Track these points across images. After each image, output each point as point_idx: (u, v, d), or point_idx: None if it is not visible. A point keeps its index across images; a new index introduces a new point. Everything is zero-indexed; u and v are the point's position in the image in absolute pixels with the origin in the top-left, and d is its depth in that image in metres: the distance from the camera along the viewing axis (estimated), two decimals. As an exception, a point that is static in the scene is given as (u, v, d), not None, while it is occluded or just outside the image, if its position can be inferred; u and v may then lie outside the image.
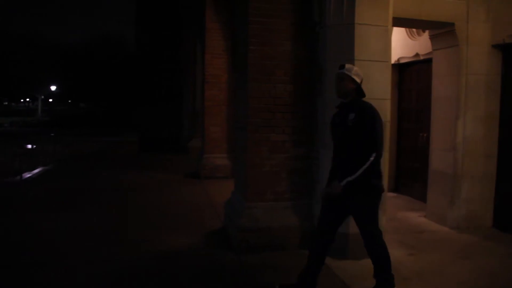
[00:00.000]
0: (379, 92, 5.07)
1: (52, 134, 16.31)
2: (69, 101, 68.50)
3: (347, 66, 4.04)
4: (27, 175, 11.15)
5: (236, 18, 6.23)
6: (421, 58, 7.54)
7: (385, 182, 5.23)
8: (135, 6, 17.69)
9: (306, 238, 5.33)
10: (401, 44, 7.82)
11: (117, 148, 18.58)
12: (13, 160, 12.81)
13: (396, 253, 5.19)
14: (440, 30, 6.30)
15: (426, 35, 6.97)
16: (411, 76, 8.24)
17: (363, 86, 4.04)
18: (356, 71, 4.00)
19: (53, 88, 54.93)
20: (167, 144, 16.13)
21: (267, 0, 5.27)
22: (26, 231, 6.18)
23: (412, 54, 7.75)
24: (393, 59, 7.25)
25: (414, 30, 7.63)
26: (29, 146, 18.87)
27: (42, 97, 59.96)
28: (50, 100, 70.93)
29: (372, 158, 3.67)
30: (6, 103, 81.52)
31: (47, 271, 4.72)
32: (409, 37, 7.77)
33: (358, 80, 3.97)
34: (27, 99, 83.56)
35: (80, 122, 35.72)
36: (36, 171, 11.91)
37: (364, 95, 4.03)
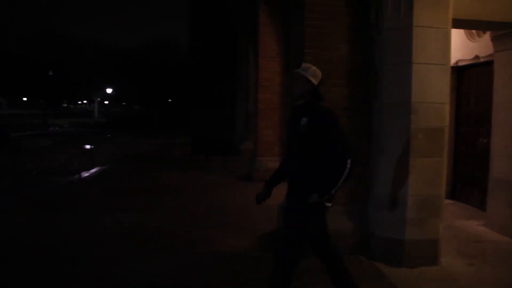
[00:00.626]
0: (438, 96, 4.95)
1: (109, 135, 16.88)
2: (123, 103, 70.55)
3: (304, 65, 3.67)
4: (85, 174, 11.58)
5: (290, 21, 6.24)
6: (481, 60, 7.27)
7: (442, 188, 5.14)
8: (188, 12, 18.05)
9: (360, 243, 5.28)
10: (460, 46, 7.57)
11: (171, 149, 18.98)
12: (72, 159, 13.36)
13: (454, 263, 5.05)
14: (503, 31, 6.05)
15: (486, 36, 6.73)
16: (470, 79, 7.97)
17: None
18: (313, 71, 3.63)
19: (109, 91, 56.77)
20: (220, 146, 16.30)
21: (323, 3, 5.24)
22: (90, 229, 6.43)
23: (471, 56, 7.49)
24: (451, 61, 7.04)
25: (473, 31, 7.37)
26: (87, 146, 19.60)
27: (99, 99, 62.10)
28: (106, 102, 73.37)
29: (349, 166, 3.34)
30: (65, 105, 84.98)
31: (111, 267, 4.91)
32: (468, 38, 7.52)
33: (314, 82, 3.61)
34: (84, 101, 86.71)
35: (135, 124, 36.70)
36: (93, 170, 12.35)
37: (321, 99, 3.67)
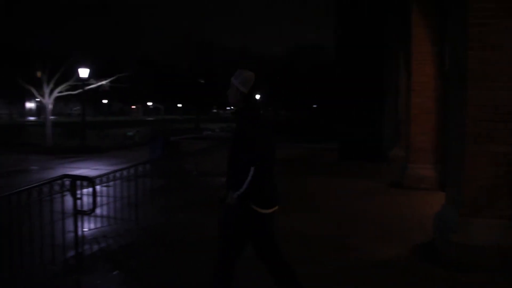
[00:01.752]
0: None
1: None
2: (270, 108, 72.84)
3: (237, 72, 3.72)
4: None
5: (450, 21, 5.90)
6: None
7: None
8: (335, 17, 18.07)
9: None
10: None
11: (318, 154, 19.10)
12: (224, 162, 14.14)
13: None
14: None
15: None
16: None
17: None
18: (243, 78, 3.64)
19: (256, 97, 59.05)
20: (367, 153, 15.93)
21: None
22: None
23: None
24: None
25: None
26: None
27: (246, 105, 64.92)
28: (253, 108, 76.57)
29: (251, 172, 3.41)
30: (215, 110, 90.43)
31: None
32: None
33: (243, 90, 3.62)
34: (232, 107, 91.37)
35: (281, 129, 37.61)
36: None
37: (253, 105, 3.71)
